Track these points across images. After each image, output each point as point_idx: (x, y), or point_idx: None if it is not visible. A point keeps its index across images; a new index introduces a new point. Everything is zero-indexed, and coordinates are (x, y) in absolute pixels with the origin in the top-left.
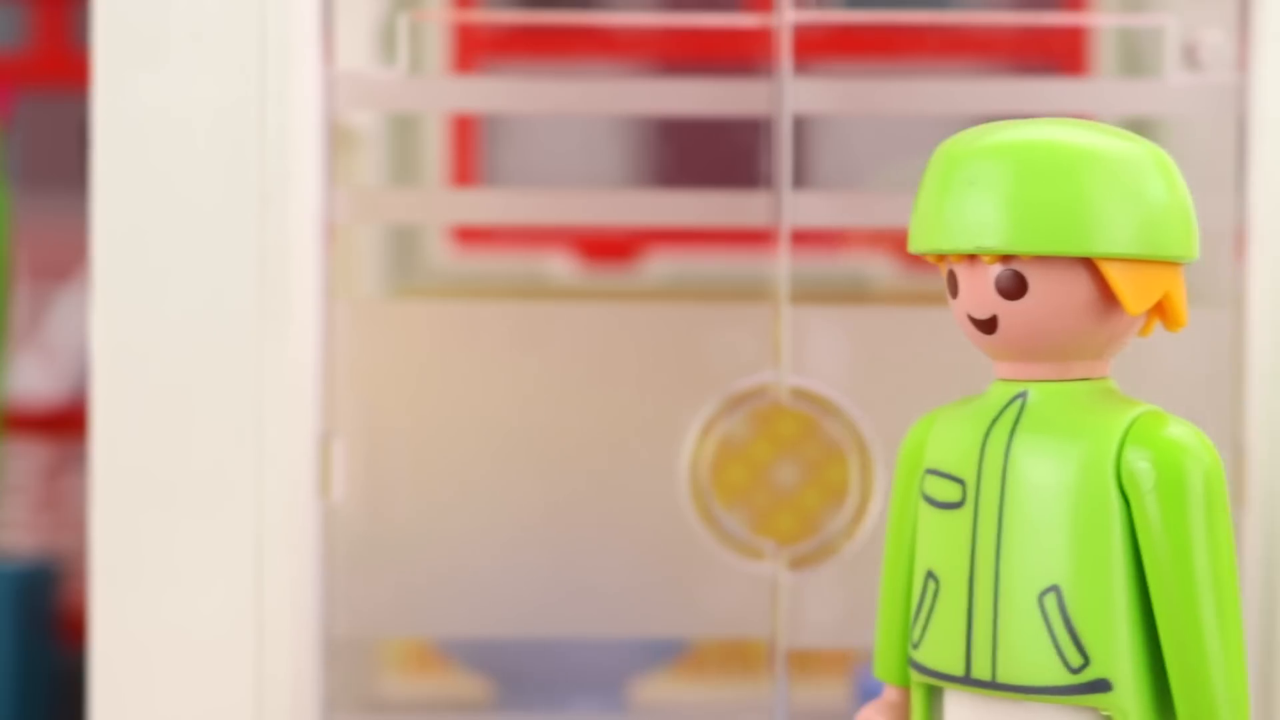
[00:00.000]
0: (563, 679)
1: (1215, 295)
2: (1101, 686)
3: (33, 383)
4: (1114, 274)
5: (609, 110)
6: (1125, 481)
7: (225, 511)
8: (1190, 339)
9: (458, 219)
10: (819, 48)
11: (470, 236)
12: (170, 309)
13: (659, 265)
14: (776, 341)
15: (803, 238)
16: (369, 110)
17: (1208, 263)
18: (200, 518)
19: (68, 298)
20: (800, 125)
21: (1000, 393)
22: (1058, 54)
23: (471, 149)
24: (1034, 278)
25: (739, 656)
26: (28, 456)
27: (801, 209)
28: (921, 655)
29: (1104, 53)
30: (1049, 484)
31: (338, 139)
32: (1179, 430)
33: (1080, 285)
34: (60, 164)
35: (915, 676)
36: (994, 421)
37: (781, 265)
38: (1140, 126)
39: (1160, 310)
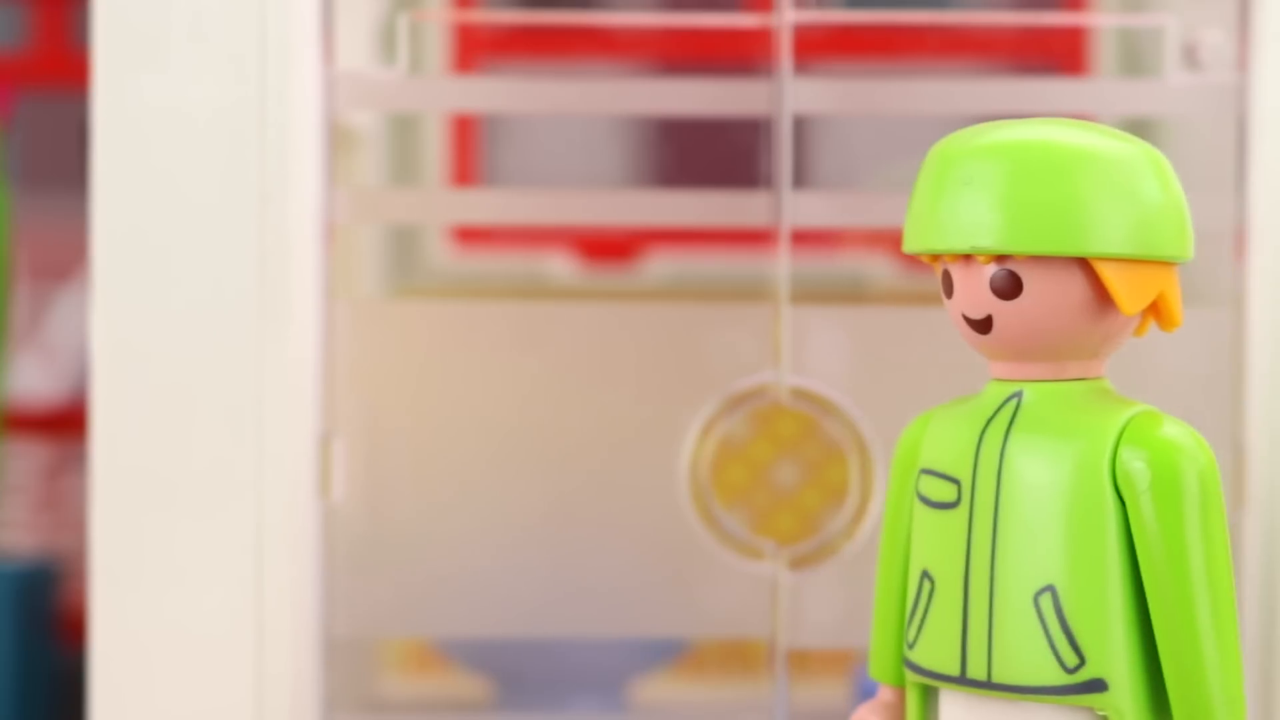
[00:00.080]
0: (563, 679)
1: (1215, 295)
2: (1097, 686)
3: (33, 383)
4: (1109, 274)
5: (609, 110)
6: (1120, 481)
7: (225, 511)
8: (1190, 339)
9: (458, 219)
10: (819, 48)
11: (470, 236)
12: (170, 309)
13: (659, 265)
14: (776, 341)
15: (803, 238)
16: (369, 110)
17: (1208, 263)
18: (200, 518)
19: (68, 298)
20: (800, 125)
21: (995, 392)
22: (1058, 54)
23: (471, 149)
24: (1029, 278)
25: (739, 656)
26: (28, 456)
27: (801, 209)
28: (917, 655)
29: (1104, 53)
30: (1044, 484)
31: (338, 139)
32: (1174, 430)
33: (1075, 285)
34: (60, 164)
35: (910, 676)
36: (989, 421)
37: (781, 265)
38: (1140, 126)
39: (1155, 310)
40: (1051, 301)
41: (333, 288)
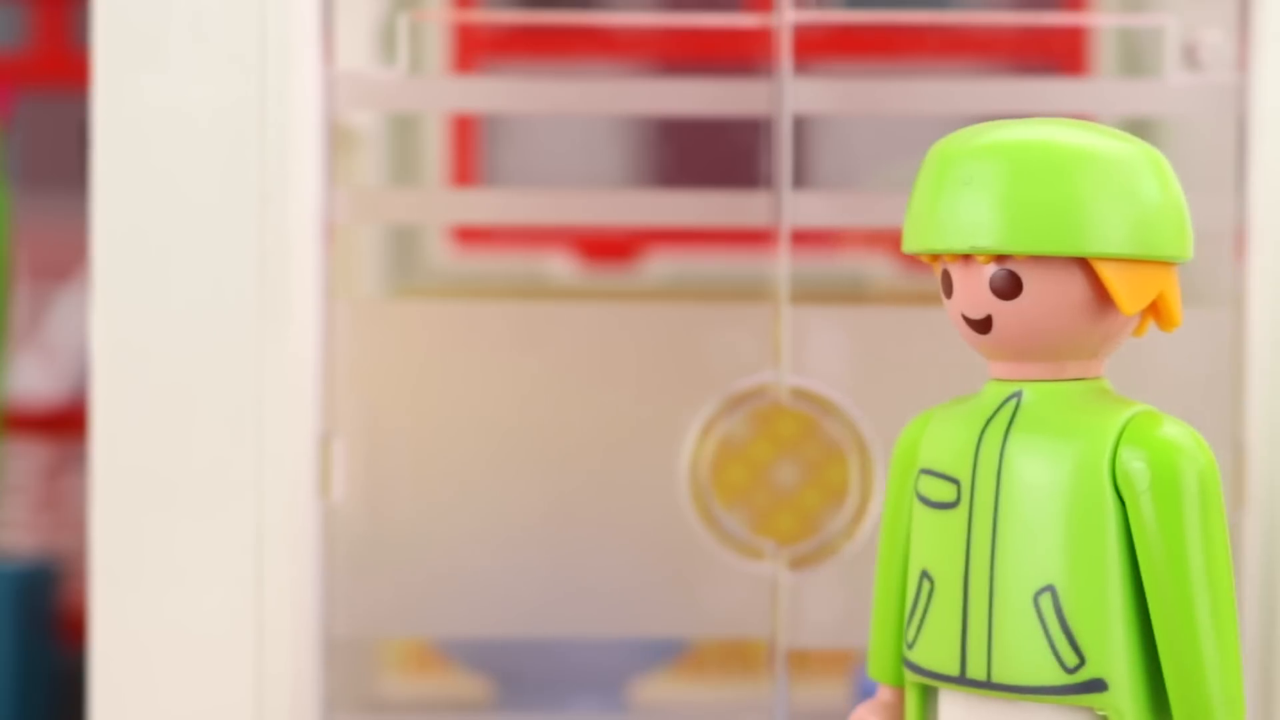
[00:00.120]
0: (563, 679)
1: (1215, 295)
2: (1097, 686)
3: (33, 383)
4: (1109, 274)
5: (609, 110)
6: (1120, 481)
7: (225, 511)
8: (1190, 339)
9: (458, 219)
10: (819, 48)
11: (470, 236)
12: (170, 309)
13: (659, 265)
14: (776, 341)
15: (803, 238)
16: (369, 110)
17: (1208, 263)
18: (200, 518)
19: (68, 298)
20: (800, 125)
21: (995, 392)
22: (1058, 54)
23: (471, 149)
24: (1029, 278)
25: (739, 656)
26: (28, 456)
27: (801, 209)
28: (916, 655)
29: (1104, 53)
30: (1044, 484)
31: (338, 139)
32: (1174, 430)
33: (1075, 285)
34: (60, 164)
35: (910, 676)
36: (989, 421)
37: (781, 265)
38: (1140, 126)
39: (1154, 310)
40: (1051, 301)
41: (333, 288)
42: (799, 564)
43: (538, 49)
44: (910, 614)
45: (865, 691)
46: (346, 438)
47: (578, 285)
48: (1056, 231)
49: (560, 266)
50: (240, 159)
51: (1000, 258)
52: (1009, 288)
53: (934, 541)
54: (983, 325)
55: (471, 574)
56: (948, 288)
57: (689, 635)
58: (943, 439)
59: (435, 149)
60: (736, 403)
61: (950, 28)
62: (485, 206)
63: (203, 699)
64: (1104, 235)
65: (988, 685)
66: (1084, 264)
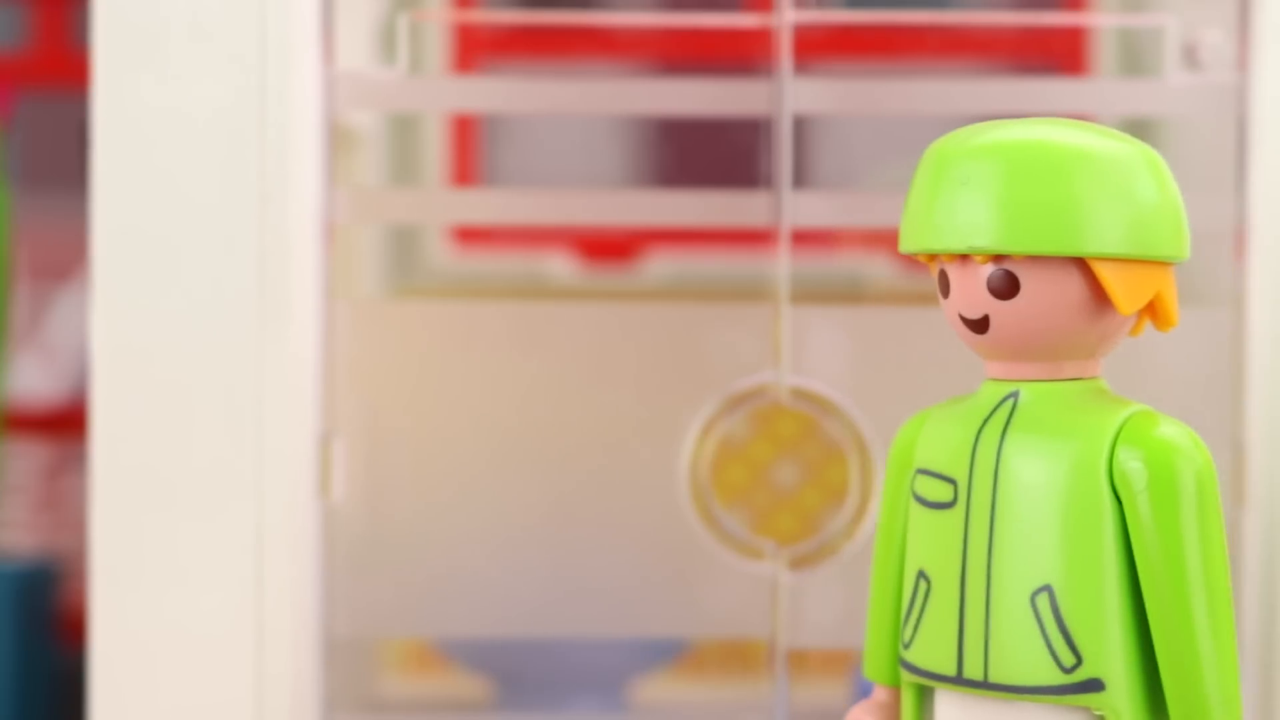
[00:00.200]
0: (563, 679)
1: (1215, 295)
2: (1094, 686)
3: (33, 383)
4: (1106, 274)
5: (609, 110)
6: (1117, 481)
7: (225, 511)
8: (1190, 339)
9: (458, 219)
10: (819, 48)
11: (470, 236)
12: (170, 309)
13: (659, 265)
14: (776, 341)
15: (803, 238)
16: (369, 110)
17: (1208, 263)
18: (200, 518)
19: (68, 298)
20: (800, 125)
21: (991, 392)
22: (1058, 54)
23: (471, 149)
24: (1026, 277)
25: (739, 656)
26: (28, 456)
27: (801, 209)
28: (913, 655)
29: (1104, 53)
30: (1041, 484)
31: (338, 139)
32: (1171, 430)
33: (1072, 285)
34: (60, 164)
35: (906, 676)
36: (985, 421)
37: (781, 265)
38: (1140, 126)
39: (1151, 310)
40: (1048, 301)
41: (333, 288)
42: (799, 564)
43: (538, 49)
44: (907, 614)
45: (865, 691)
46: (346, 438)
47: (578, 285)
48: (1054, 231)
49: (560, 266)
50: (240, 159)
51: (997, 258)
52: (1006, 288)
53: (931, 541)
54: (980, 325)
55: (471, 574)
56: (945, 288)
57: (689, 635)
58: (939, 439)
59: (435, 149)
60: (736, 403)
61: (950, 28)
62: (485, 206)
63: (203, 699)
64: (1101, 235)
65: (984, 685)
66: (1081, 264)
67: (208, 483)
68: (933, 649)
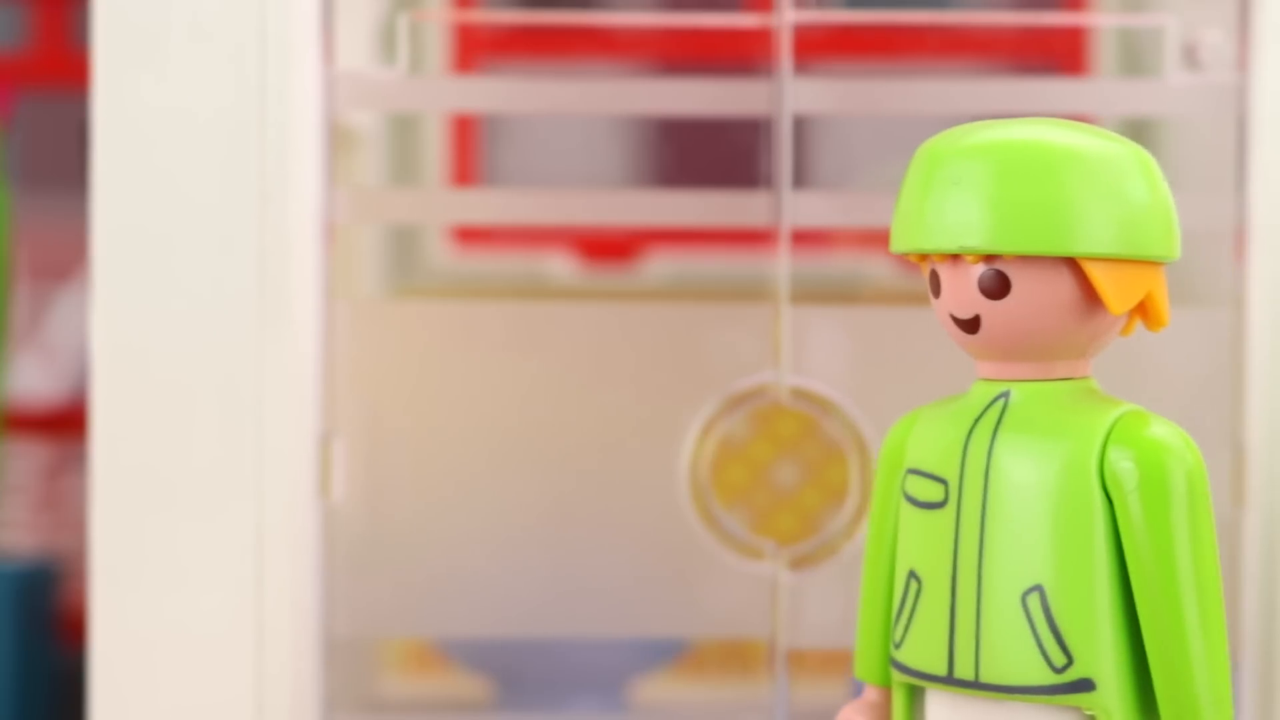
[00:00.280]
0: (563, 679)
1: (1215, 295)
2: (1085, 686)
3: (33, 383)
4: (1097, 274)
5: (609, 110)
6: (1108, 481)
7: (225, 511)
8: (1190, 339)
9: (458, 219)
10: (819, 48)
11: (470, 236)
12: (170, 309)
13: (659, 265)
14: (776, 341)
15: (803, 238)
16: (369, 110)
17: (1208, 263)
18: (200, 518)
19: (68, 298)
20: (800, 125)
21: (982, 392)
22: (1058, 54)
23: (471, 149)
24: (1017, 277)
25: (739, 656)
26: (28, 456)
27: (801, 209)
28: (903, 655)
29: (1104, 53)
30: (1032, 484)
31: (338, 139)
32: (1162, 430)
33: (1063, 285)
34: (60, 164)
35: (897, 676)
36: (976, 421)
37: (781, 265)
38: (1140, 126)
39: (1142, 310)
40: (1039, 301)
41: (333, 288)
42: (799, 564)
43: (538, 49)
44: (898, 614)
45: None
46: (346, 438)
47: (578, 285)
48: (1044, 231)
49: (560, 266)
50: (240, 159)
51: (988, 258)
52: (997, 288)
53: (921, 541)
54: (971, 325)
55: (471, 574)
56: (936, 288)
57: (689, 635)
58: (930, 439)
59: (435, 149)
60: (736, 403)
61: (950, 28)
62: (485, 206)
63: (203, 699)
64: (1092, 235)
65: (975, 685)
66: (1072, 264)
67: (208, 483)
68: (924, 649)
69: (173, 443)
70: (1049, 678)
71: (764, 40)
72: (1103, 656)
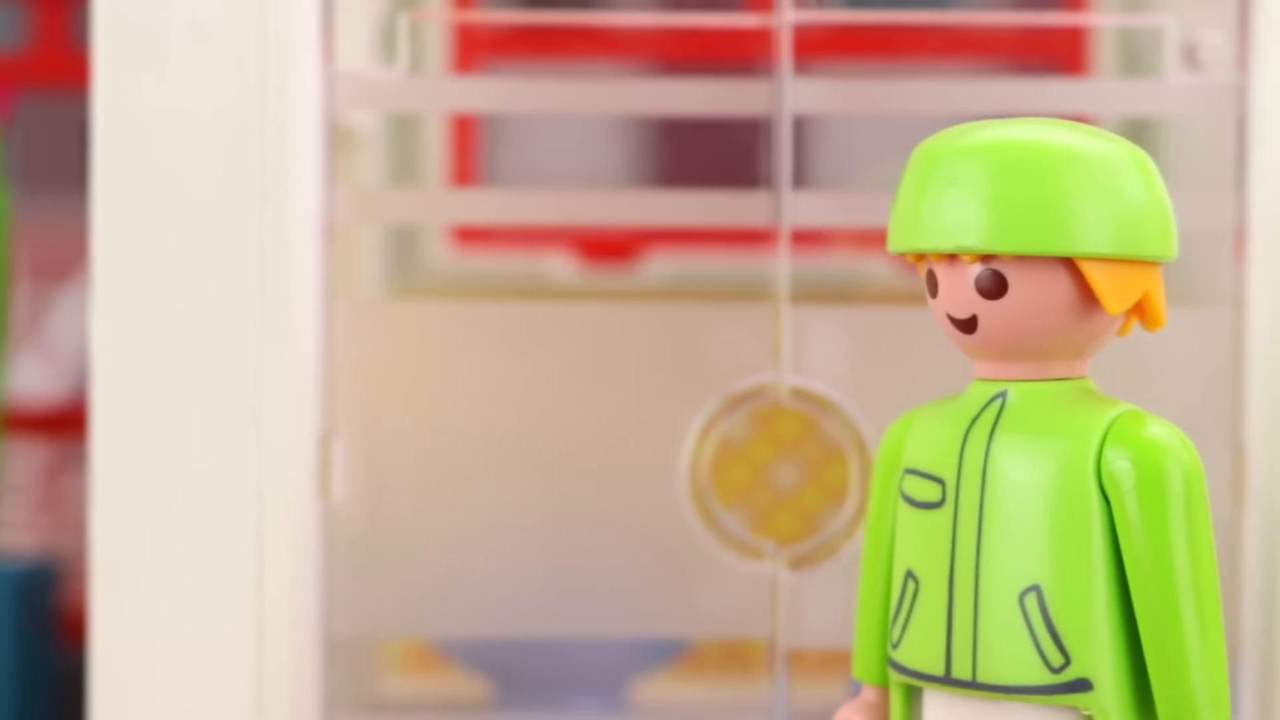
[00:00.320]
0: (563, 679)
1: (1215, 295)
2: (1082, 686)
3: (33, 383)
4: (1094, 274)
5: (609, 110)
6: (1105, 481)
7: (225, 511)
8: (1190, 339)
9: (458, 219)
10: (819, 48)
11: (470, 236)
12: (170, 309)
13: (659, 265)
14: (776, 341)
15: (803, 238)
16: (369, 110)
17: (1208, 263)
18: (200, 518)
19: (68, 298)
20: (800, 125)
21: (979, 392)
22: (1058, 54)
23: (471, 149)
24: (1014, 277)
25: (739, 656)
26: (28, 456)
27: (801, 209)
28: (901, 655)
29: (1104, 53)
30: (1029, 484)
31: (338, 139)
32: (1159, 430)
33: (1060, 285)
34: (60, 164)
35: (894, 676)
36: (973, 421)
37: (781, 265)
38: (1140, 126)
39: (1139, 310)
40: (1036, 301)
41: (333, 288)
42: (799, 564)
43: (538, 49)
44: (895, 614)
45: None
46: (346, 438)
47: (578, 285)
48: (1041, 231)
49: (560, 266)
50: (240, 159)
51: (985, 257)
52: (994, 287)
53: (919, 541)
54: (968, 325)
55: (471, 574)
56: (933, 288)
57: (689, 635)
58: (927, 439)
59: (435, 149)
60: (736, 403)
61: (950, 28)
62: (485, 206)
63: (203, 699)
64: (1089, 235)
65: (973, 685)
66: (1069, 264)
67: (208, 483)
68: (921, 649)
69: (173, 443)
70: (1046, 678)
71: (764, 40)
72: (1100, 656)
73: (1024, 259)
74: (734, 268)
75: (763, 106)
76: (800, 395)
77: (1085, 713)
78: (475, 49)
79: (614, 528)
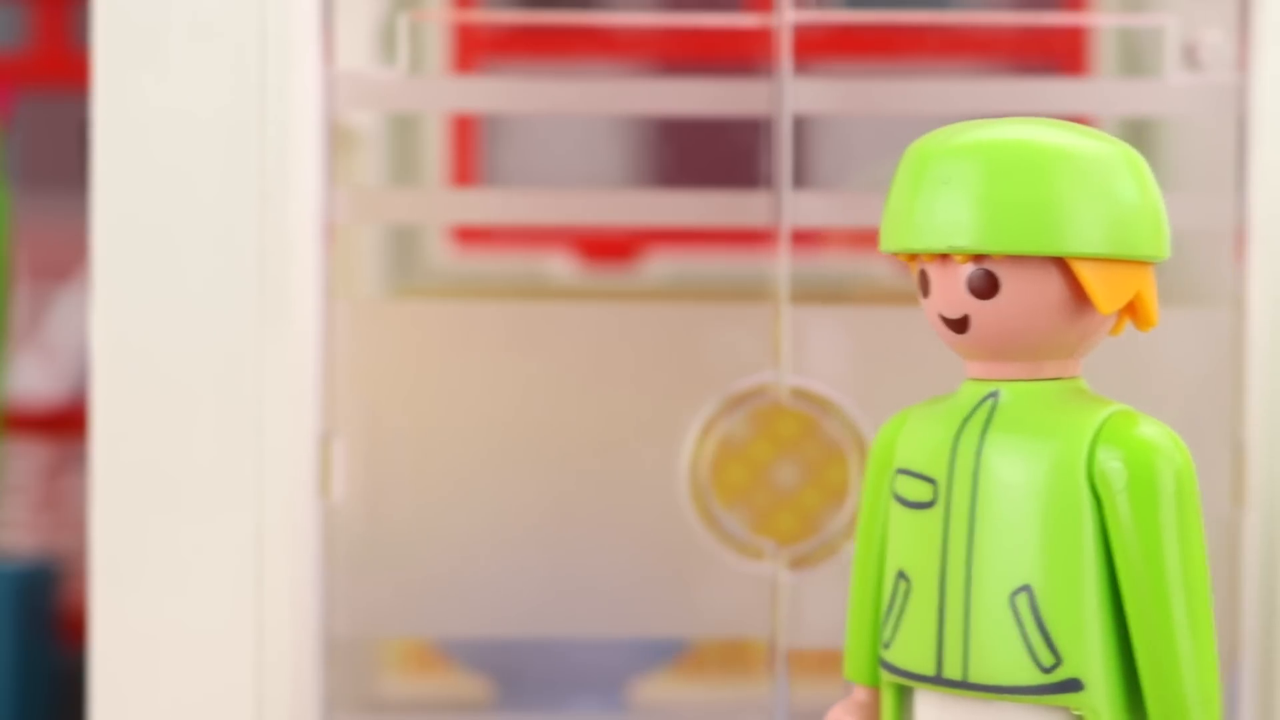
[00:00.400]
0: (563, 679)
1: (1215, 295)
2: (1073, 686)
3: (33, 383)
4: (1086, 273)
5: (609, 110)
6: (1097, 481)
7: (225, 511)
8: (1190, 339)
9: (458, 219)
10: (819, 48)
11: (470, 236)
12: (170, 309)
13: (659, 265)
14: (776, 341)
15: (803, 238)
16: (369, 110)
17: (1208, 263)
18: (200, 518)
19: (68, 298)
20: (800, 125)
21: (971, 392)
22: (1058, 54)
23: (471, 149)
24: (1006, 277)
25: (739, 656)
26: (28, 456)
27: (801, 209)
28: (892, 655)
29: (1104, 53)
30: (1020, 483)
31: (338, 139)
32: (1150, 430)
33: (1052, 285)
34: (60, 164)
35: (886, 676)
36: (965, 421)
37: (781, 265)
38: (1140, 126)
39: (1131, 310)
40: (1028, 301)
41: (333, 288)
42: (799, 564)
43: (538, 49)
44: (886, 614)
45: None
46: (346, 438)
47: (578, 285)
48: (1034, 231)
49: (560, 266)
50: (240, 159)
51: (977, 257)
52: (986, 287)
53: (910, 541)
54: (960, 325)
55: (471, 574)
56: (925, 287)
57: (689, 635)
58: (919, 438)
59: (435, 149)
60: (736, 403)
61: (950, 28)
62: (485, 206)
63: (203, 699)
64: (1081, 235)
65: (964, 685)
66: (1061, 263)
67: (208, 483)
68: (912, 649)
69: (173, 443)
70: (1037, 678)
71: (764, 40)
72: (1091, 657)
73: (1016, 259)
74: (734, 268)
75: (763, 106)
76: (800, 395)
77: (1076, 713)
78: (475, 49)
79: (614, 528)
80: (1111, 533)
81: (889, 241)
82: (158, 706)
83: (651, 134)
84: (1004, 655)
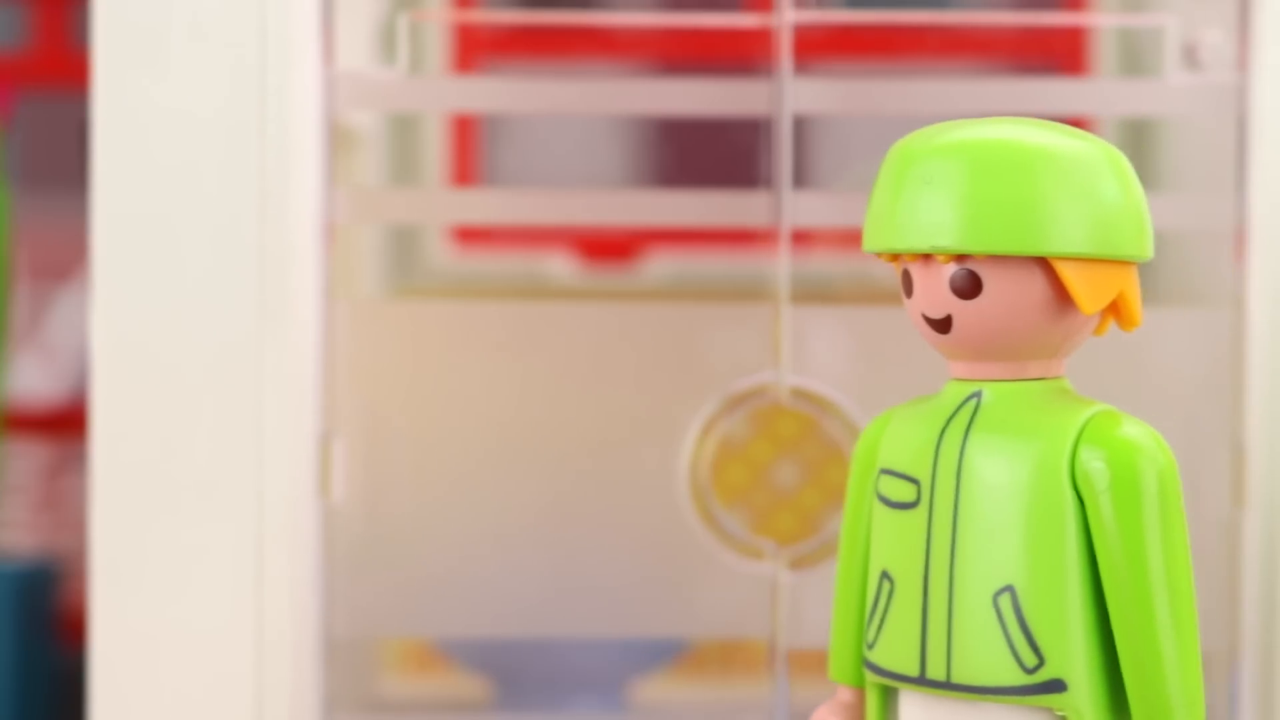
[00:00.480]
0: (563, 679)
1: (1215, 295)
2: (1056, 687)
3: (33, 383)
4: (1068, 273)
5: (609, 110)
6: (1080, 481)
7: (225, 511)
8: (1190, 339)
9: (458, 219)
10: (819, 48)
11: (470, 236)
12: (170, 309)
13: (659, 265)
14: (776, 341)
15: (803, 238)
16: (369, 110)
17: (1208, 263)
18: (200, 518)
19: (68, 298)
20: (800, 125)
21: (955, 392)
22: (1058, 54)
23: (471, 149)
24: (989, 277)
25: (739, 656)
26: (28, 456)
27: (801, 209)
28: (876, 656)
29: (1104, 53)
30: (1004, 484)
31: (338, 139)
32: (1133, 430)
33: (1035, 285)
34: (60, 164)
35: (870, 677)
36: (949, 421)
37: (781, 265)
38: (1140, 126)
39: (1115, 309)
40: (1011, 301)
41: (333, 288)
42: (799, 564)
43: (538, 49)
44: (870, 615)
45: None
46: (346, 438)
47: (578, 285)
48: (1016, 231)
49: (560, 266)
50: (240, 159)
51: (960, 257)
52: (969, 287)
53: (894, 542)
54: (943, 325)
55: (471, 574)
56: (908, 287)
57: (689, 635)
58: (903, 439)
59: (435, 149)
60: (736, 403)
61: (950, 28)
62: (485, 206)
63: (203, 699)
64: (1064, 235)
65: (947, 686)
66: (1044, 263)
67: (208, 483)
68: (896, 649)
69: (173, 443)
70: (1020, 678)
71: (764, 40)
72: (1074, 657)
73: (999, 259)
74: (734, 268)
75: (763, 106)
76: (800, 395)
77: (1059, 713)
78: (475, 49)
79: (613, 528)
80: (1094, 533)
81: (872, 241)
82: (158, 706)
83: (651, 134)
84: (987, 656)
